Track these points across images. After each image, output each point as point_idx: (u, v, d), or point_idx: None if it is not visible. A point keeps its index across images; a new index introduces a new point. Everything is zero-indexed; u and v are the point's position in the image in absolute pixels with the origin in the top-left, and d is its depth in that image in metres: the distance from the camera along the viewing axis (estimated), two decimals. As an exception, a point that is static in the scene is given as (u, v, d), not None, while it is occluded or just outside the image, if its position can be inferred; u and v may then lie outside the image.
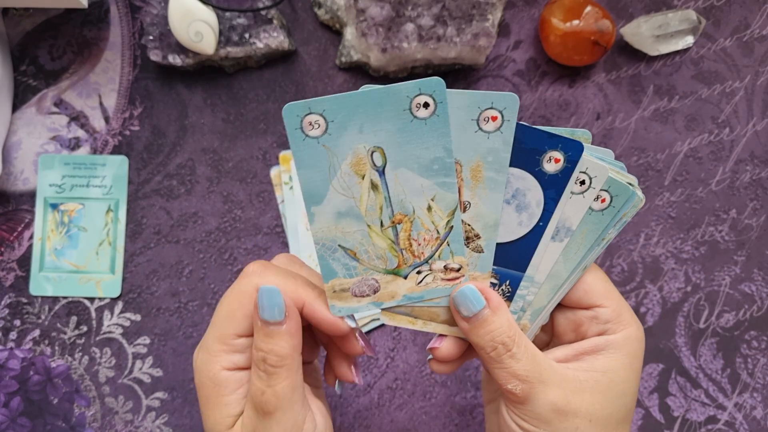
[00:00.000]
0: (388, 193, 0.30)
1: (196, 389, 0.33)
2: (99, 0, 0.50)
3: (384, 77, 0.50)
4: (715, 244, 0.50)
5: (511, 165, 0.30)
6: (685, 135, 0.50)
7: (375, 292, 0.32)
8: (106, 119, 0.50)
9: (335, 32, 0.50)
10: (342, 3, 0.48)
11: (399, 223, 0.31)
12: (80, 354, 0.49)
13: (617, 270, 0.49)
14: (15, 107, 0.50)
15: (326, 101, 0.29)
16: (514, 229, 0.31)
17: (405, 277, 0.32)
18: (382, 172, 0.30)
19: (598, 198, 0.31)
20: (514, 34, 0.50)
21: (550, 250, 0.32)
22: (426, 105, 0.29)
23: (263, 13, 0.48)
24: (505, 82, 0.50)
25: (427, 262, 0.31)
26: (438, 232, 0.31)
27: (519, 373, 0.31)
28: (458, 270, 0.31)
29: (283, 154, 0.49)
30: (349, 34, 0.48)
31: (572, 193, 0.31)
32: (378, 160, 0.30)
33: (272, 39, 0.48)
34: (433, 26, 0.46)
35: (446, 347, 0.33)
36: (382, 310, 0.32)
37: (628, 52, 0.50)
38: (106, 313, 0.49)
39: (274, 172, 0.49)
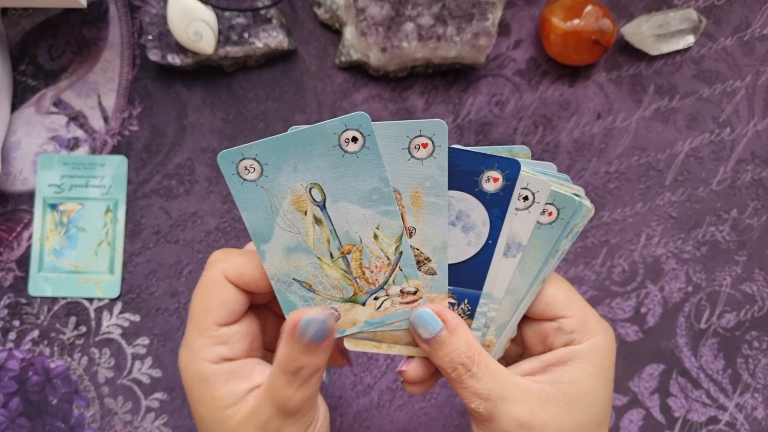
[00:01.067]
0: (333, 225, 0.31)
1: (185, 389, 0.32)
2: (98, 0, 0.50)
3: (384, 77, 0.50)
4: (716, 244, 0.49)
5: (450, 188, 0.31)
6: (686, 134, 0.50)
7: (336, 320, 0.32)
8: (105, 119, 0.50)
9: (335, 32, 0.50)
10: (342, 2, 0.48)
11: (349, 253, 0.32)
12: (79, 354, 0.49)
13: (618, 270, 0.49)
14: (14, 107, 0.50)
15: (257, 146, 0.30)
16: (464, 249, 0.32)
17: (363, 304, 0.32)
18: (323, 207, 0.31)
19: (545, 212, 0.31)
20: (515, 33, 0.50)
21: (504, 266, 0.32)
22: (354, 139, 0.30)
23: (262, 12, 0.48)
24: (505, 82, 0.50)
25: (382, 287, 0.32)
26: (389, 258, 0.32)
27: (480, 392, 0.31)
28: (415, 293, 0.32)
29: None
30: (349, 33, 0.48)
31: (517, 209, 0.31)
32: (317, 196, 0.31)
33: (271, 38, 0.48)
34: (433, 25, 0.46)
35: (413, 369, 0.34)
36: (345, 337, 0.33)
37: (629, 52, 0.50)
38: (105, 313, 0.49)
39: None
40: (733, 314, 0.49)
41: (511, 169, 0.30)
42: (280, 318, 0.34)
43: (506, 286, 0.32)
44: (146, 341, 0.49)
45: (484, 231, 0.31)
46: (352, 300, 0.32)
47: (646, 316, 0.49)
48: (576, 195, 0.31)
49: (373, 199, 0.31)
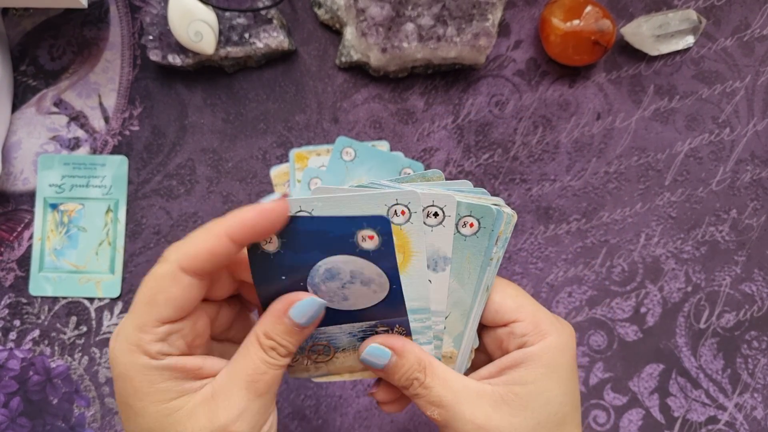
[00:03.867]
0: None
1: (117, 382, 0.30)
2: (99, 0, 0.50)
3: (384, 77, 0.50)
4: (715, 244, 0.49)
5: (332, 254, 0.31)
6: (685, 135, 0.50)
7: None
8: (106, 119, 0.50)
9: (335, 32, 0.50)
10: (342, 3, 0.48)
11: None
12: (80, 354, 0.49)
13: (617, 270, 0.49)
14: (15, 107, 0.50)
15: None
16: (372, 297, 0.32)
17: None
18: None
19: (465, 224, 0.32)
20: (515, 33, 0.50)
21: (436, 281, 0.33)
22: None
23: (263, 13, 0.48)
24: (505, 82, 0.50)
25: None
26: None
27: (433, 399, 0.32)
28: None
29: (298, 152, 0.49)
30: (349, 33, 0.48)
31: (431, 226, 0.32)
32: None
33: (272, 39, 0.48)
34: (433, 26, 0.46)
35: (383, 391, 0.35)
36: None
37: (629, 52, 0.50)
38: (106, 313, 0.49)
39: (274, 172, 0.49)
40: (733, 314, 0.49)
41: (382, 224, 0.30)
42: (234, 309, 0.35)
43: (445, 298, 0.33)
44: (147, 341, 0.49)
45: (384, 281, 0.32)
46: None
47: (645, 316, 0.49)
48: (495, 204, 0.32)
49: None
